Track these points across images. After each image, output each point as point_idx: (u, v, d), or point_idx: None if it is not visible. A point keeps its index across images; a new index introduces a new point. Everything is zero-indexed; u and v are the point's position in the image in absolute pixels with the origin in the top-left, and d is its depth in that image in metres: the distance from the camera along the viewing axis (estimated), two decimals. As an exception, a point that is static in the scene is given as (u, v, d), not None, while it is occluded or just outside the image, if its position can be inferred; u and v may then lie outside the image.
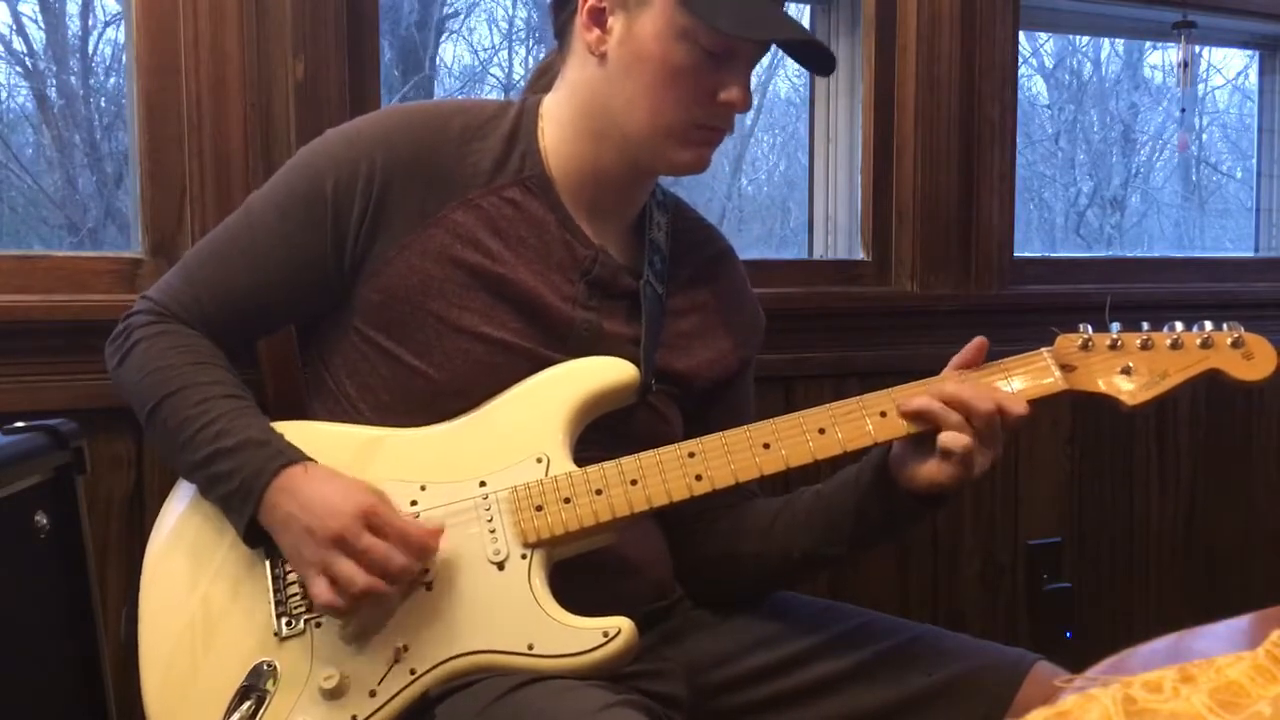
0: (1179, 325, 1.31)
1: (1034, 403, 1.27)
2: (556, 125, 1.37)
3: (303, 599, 1.25)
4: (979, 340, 1.30)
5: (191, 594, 1.27)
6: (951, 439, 1.22)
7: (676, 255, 1.43)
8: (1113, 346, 1.30)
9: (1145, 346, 1.30)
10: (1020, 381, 1.28)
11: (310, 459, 1.25)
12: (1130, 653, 1.02)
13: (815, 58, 1.36)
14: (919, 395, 1.25)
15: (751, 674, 1.35)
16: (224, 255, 1.35)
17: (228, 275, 1.34)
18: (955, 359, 1.30)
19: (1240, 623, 1.12)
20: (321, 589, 1.19)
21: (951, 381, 1.27)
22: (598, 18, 1.31)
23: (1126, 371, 1.29)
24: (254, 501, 1.22)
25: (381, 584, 1.18)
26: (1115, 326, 1.31)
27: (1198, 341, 1.29)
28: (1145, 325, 1.31)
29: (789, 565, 1.40)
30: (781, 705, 1.34)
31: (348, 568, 1.18)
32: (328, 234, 1.31)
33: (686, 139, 1.32)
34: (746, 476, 1.27)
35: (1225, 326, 1.30)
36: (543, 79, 1.43)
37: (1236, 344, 1.29)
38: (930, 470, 1.25)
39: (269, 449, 1.24)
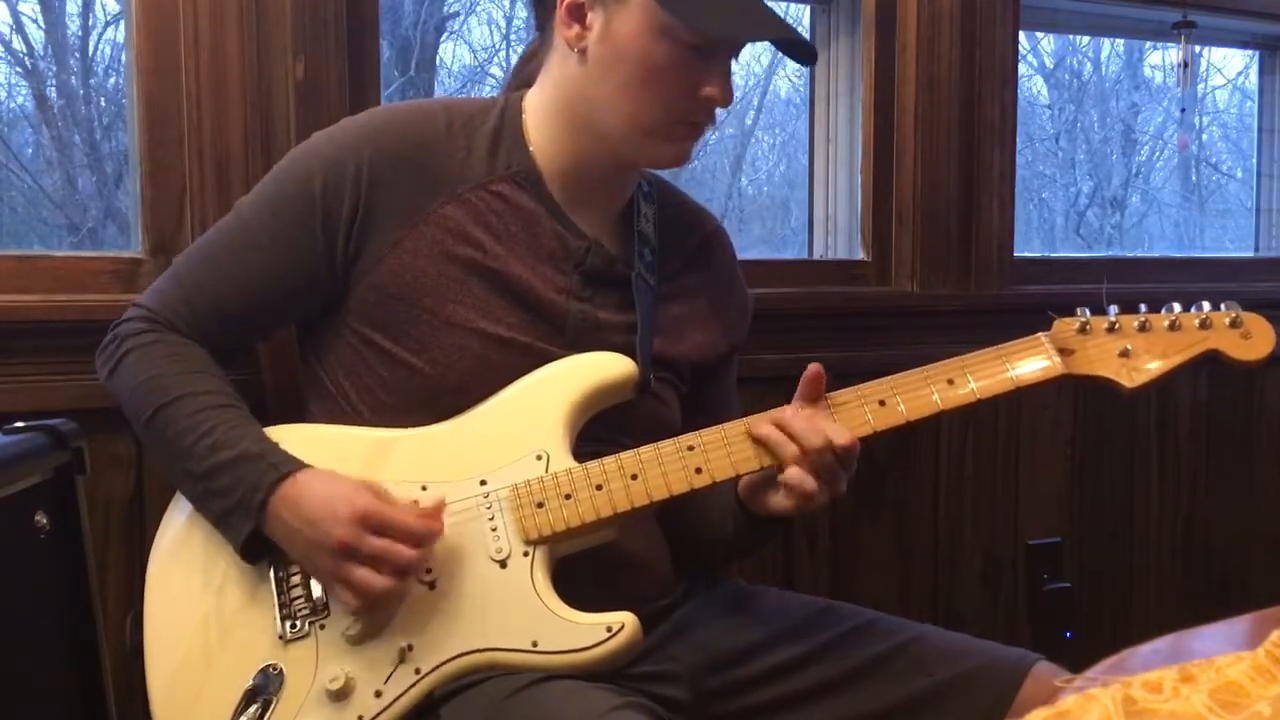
0: (1177, 306, 1.30)
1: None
2: (539, 120, 1.36)
3: (306, 601, 1.25)
4: (814, 368, 1.30)
5: (196, 599, 1.27)
6: (795, 477, 1.23)
7: (665, 245, 1.43)
8: (1110, 329, 1.29)
9: (1143, 329, 1.29)
10: (1018, 366, 1.28)
11: (306, 465, 1.25)
12: (1130, 653, 1.02)
13: (798, 47, 1.35)
14: (766, 425, 1.26)
15: (753, 678, 1.35)
16: (214, 258, 1.34)
17: (218, 277, 1.33)
18: (797, 392, 1.30)
19: (1240, 623, 1.11)
20: (348, 599, 1.20)
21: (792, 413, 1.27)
22: (577, 13, 1.30)
23: (1125, 354, 1.28)
24: (253, 517, 1.23)
25: (396, 583, 1.19)
26: (1113, 309, 1.30)
27: (1196, 322, 1.29)
28: (1143, 307, 1.30)
29: (705, 549, 1.46)
30: (783, 708, 1.34)
31: (362, 574, 1.19)
32: (318, 234, 1.31)
33: (669, 135, 1.32)
34: (746, 469, 1.28)
35: (1223, 306, 1.30)
36: (526, 68, 1.42)
37: (1234, 324, 1.29)
38: (778, 501, 1.28)
39: (264, 462, 1.24)
